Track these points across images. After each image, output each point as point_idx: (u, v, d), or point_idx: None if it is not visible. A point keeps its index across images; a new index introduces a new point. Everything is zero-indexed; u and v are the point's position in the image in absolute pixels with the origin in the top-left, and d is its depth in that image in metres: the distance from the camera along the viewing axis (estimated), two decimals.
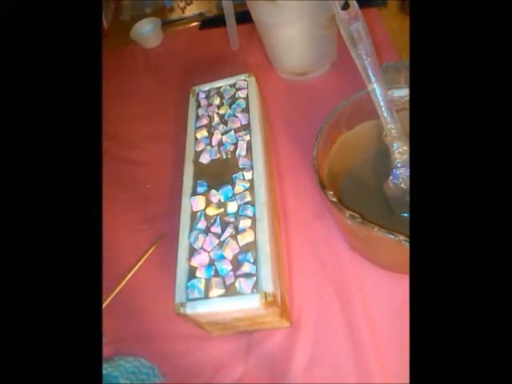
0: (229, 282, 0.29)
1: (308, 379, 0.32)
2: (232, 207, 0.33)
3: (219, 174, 0.36)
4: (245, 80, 0.44)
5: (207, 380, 0.34)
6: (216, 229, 0.32)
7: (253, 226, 0.32)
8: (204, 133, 0.40)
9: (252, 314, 0.30)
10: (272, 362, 0.34)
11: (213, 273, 0.30)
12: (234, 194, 0.34)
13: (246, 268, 0.29)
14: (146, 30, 0.70)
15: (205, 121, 0.41)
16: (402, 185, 0.33)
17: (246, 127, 0.39)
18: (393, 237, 0.25)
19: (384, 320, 0.33)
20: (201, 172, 0.37)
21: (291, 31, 0.48)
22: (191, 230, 0.33)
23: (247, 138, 0.38)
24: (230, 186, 0.34)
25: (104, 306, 0.40)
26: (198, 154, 0.38)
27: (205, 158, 0.38)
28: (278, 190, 0.44)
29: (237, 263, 0.30)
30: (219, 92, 0.43)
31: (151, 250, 0.43)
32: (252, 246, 0.31)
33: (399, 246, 0.25)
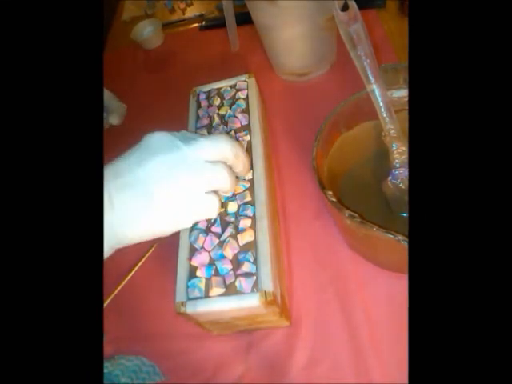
0: (229, 281, 0.29)
1: (307, 378, 0.32)
2: (232, 207, 0.33)
3: None
4: (245, 81, 0.44)
5: (207, 379, 0.34)
6: (216, 228, 0.32)
7: (253, 226, 0.32)
8: (204, 133, 0.40)
9: (252, 313, 0.30)
10: (272, 361, 0.34)
11: (213, 272, 0.30)
12: (234, 194, 0.34)
13: (246, 267, 0.30)
14: (147, 31, 0.70)
15: (205, 121, 0.41)
16: (400, 185, 0.33)
17: (246, 128, 0.39)
18: (392, 236, 0.26)
19: (383, 319, 0.33)
20: None
21: (291, 32, 0.48)
22: (191, 230, 0.33)
23: (247, 138, 0.38)
24: None
25: (105, 305, 0.40)
26: None
27: None
28: (278, 190, 0.44)
29: (237, 262, 0.30)
30: (219, 93, 0.44)
31: (151, 250, 0.43)
32: (252, 246, 0.31)
33: (398, 246, 0.25)
